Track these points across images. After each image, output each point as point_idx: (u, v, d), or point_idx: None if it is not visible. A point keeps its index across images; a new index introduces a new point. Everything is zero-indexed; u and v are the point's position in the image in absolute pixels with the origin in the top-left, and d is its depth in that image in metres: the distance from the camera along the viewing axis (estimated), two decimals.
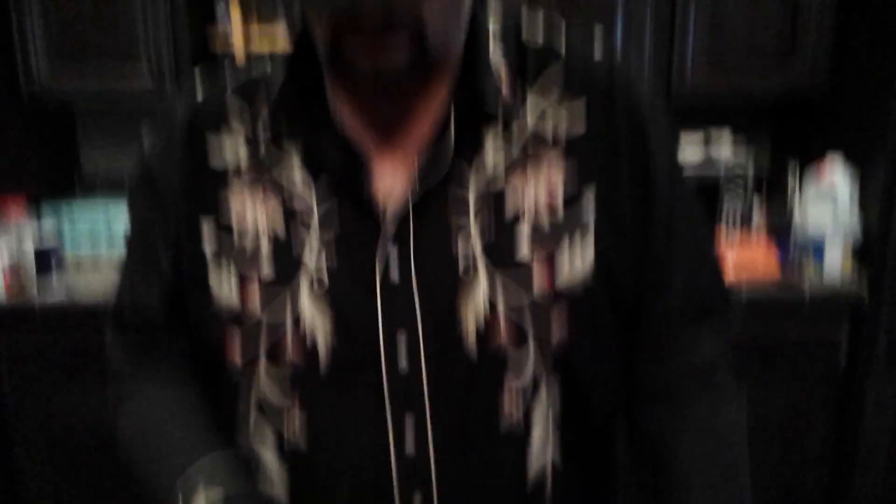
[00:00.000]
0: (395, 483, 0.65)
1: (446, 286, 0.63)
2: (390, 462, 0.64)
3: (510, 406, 0.64)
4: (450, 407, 0.64)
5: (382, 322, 0.63)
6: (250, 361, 0.65)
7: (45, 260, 1.90)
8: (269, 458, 0.68)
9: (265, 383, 0.66)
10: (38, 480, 1.95)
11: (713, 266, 0.71)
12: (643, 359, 0.70)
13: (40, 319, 1.86)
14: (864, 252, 1.93)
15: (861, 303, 1.90)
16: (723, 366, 0.70)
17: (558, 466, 0.67)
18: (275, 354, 0.65)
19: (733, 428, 0.69)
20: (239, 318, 0.65)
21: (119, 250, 2.07)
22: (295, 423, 0.66)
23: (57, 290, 1.90)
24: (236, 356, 0.66)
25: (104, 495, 1.96)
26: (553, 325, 0.63)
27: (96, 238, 2.14)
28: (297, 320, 0.64)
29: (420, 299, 0.63)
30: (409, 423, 0.64)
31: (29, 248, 1.90)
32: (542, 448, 0.66)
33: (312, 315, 0.64)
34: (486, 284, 0.62)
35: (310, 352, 0.64)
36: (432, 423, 0.64)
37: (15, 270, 1.91)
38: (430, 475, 0.65)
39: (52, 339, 1.88)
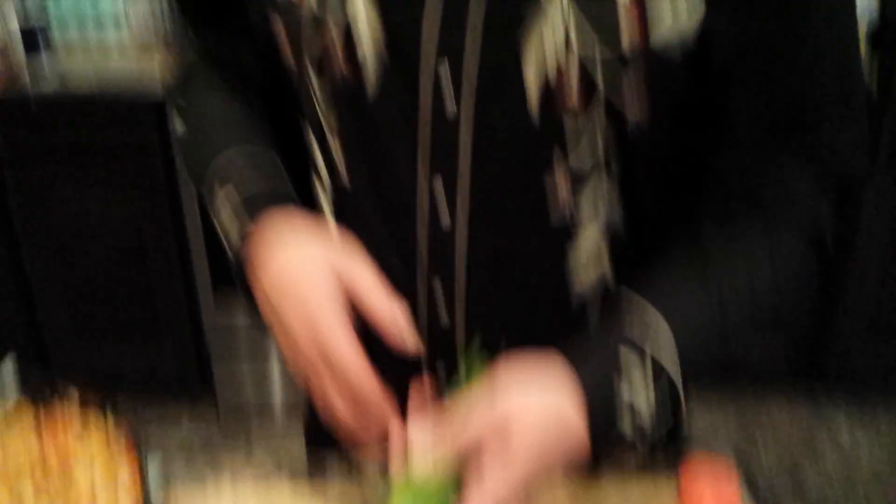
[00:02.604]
0: (421, 262, 0.59)
1: (511, 10, 0.50)
2: (416, 236, 0.58)
3: (559, 191, 0.54)
4: (491, 174, 0.55)
5: (435, 40, 0.52)
6: (301, 67, 0.58)
7: (33, 42, 1.85)
8: (320, 191, 0.64)
9: (317, 96, 0.59)
10: (47, 281, 2.02)
11: (846, 70, 0.53)
12: (712, 162, 0.58)
13: (35, 111, 1.84)
14: (878, 39, 1.84)
15: (868, 95, 1.84)
16: (803, 217, 0.55)
17: (609, 282, 0.59)
18: (322, 62, 0.56)
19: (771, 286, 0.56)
20: (290, 6, 0.56)
21: (106, 33, 2.02)
22: (338, 151, 0.60)
23: (50, 79, 1.85)
24: (288, 56, 0.59)
25: (115, 292, 2.05)
26: (633, 93, 0.51)
27: (82, 19, 2.07)
28: (347, 24, 0.54)
29: (478, 21, 0.51)
30: (439, 186, 0.56)
31: (14, 27, 1.84)
32: (590, 256, 0.57)
33: (364, 19, 0.53)
34: (561, 19, 0.49)
35: (359, 64, 0.54)
36: (471, 189, 0.55)
37: (3, 54, 1.87)
38: (454, 255, 0.58)
39: (50, 133, 1.88)
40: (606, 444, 0.49)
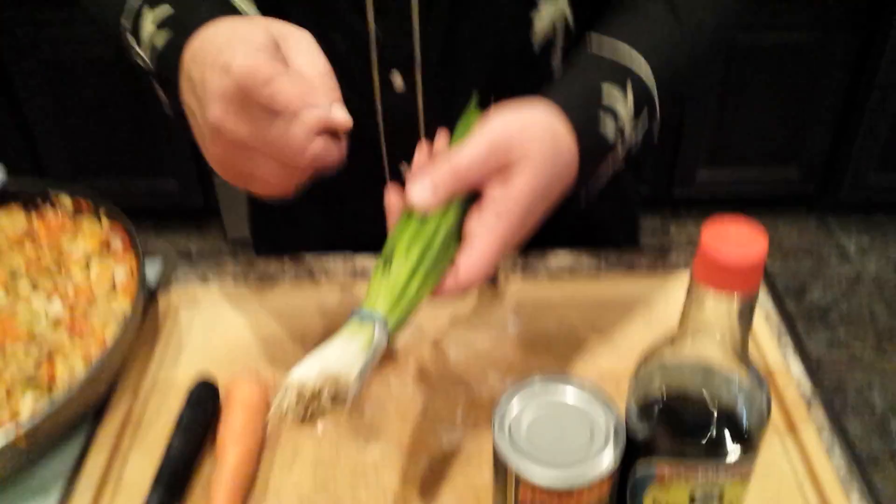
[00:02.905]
0: (371, 33, 0.56)
1: None
2: None
3: None
4: None
5: None
6: None
7: None
8: None
9: None
10: (39, 105, 1.96)
11: None
12: None
13: None
14: None
15: None
16: None
17: (570, 24, 0.59)
18: None
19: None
20: None
21: None
22: None
23: None
24: None
25: (105, 110, 1.98)
26: None
27: None
28: None
29: None
30: None
31: None
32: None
33: None
34: None
35: None
36: None
37: None
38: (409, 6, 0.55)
39: None
40: (592, 150, 0.49)
